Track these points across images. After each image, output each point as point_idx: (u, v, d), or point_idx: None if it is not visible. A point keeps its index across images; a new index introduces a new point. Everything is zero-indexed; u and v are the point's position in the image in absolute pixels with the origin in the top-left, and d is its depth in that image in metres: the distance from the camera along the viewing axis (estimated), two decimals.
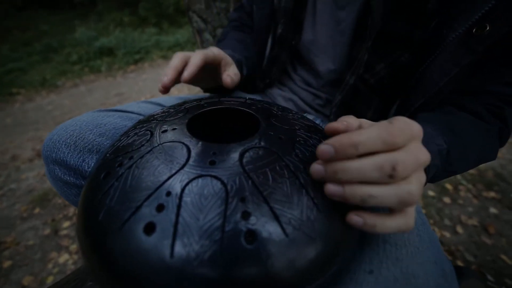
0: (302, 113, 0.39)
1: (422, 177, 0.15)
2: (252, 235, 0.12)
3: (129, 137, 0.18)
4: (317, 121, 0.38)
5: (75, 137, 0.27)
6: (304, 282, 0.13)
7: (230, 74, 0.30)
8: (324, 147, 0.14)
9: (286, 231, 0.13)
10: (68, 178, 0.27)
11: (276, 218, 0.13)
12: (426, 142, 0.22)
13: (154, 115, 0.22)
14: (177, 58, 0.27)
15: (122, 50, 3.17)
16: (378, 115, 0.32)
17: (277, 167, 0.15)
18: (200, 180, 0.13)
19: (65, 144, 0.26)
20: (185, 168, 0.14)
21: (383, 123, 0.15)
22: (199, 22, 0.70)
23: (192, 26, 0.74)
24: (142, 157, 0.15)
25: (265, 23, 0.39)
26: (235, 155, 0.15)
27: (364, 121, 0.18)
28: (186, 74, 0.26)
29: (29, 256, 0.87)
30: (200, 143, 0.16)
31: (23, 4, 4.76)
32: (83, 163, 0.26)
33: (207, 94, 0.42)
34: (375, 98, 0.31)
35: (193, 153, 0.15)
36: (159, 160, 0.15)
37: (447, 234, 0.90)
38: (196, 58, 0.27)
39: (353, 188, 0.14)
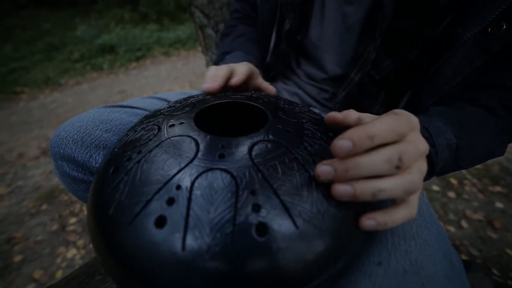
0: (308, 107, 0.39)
1: (423, 166, 0.16)
2: (263, 227, 0.12)
3: (136, 132, 0.18)
4: (323, 115, 0.38)
5: (82, 133, 0.27)
6: (313, 275, 0.13)
7: (268, 86, 0.30)
8: (342, 142, 0.13)
9: (296, 223, 0.13)
10: (76, 174, 0.27)
11: (287, 210, 0.13)
12: (436, 135, 0.22)
13: (160, 110, 0.22)
14: (224, 68, 0.27)
15: (124, 47, 3.17)
16: (385, 109, 0.32)
17: (286, 160, 0.15)
18: (209, 173, 0.13)
19: (72, 140, 0.27)
20: (194, 162, 0.14)
21: (390, 114, 0.15)
22: (201, 17, 0.69)
23: (194, 22, 0.73)
24: (150, 151, 0.15)
25: (269, 16, 0.38)
26: (244, 148, 0.15)
27: (363, 114, 0.18)
28: (236, 79, 0.26)
29: (39, 251, 0.89)
30: (208, 136, 0.16)
31: (25, 2, 4.76)
32: (91, 159, 0.26)
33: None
34: (381, 92, 0.31)
35: (201, 147, 0.15)
36: (168, 154, 0.15)
37: (451, 229, 0.89)
38: (242, 67, 0.28)
39: (363, 185, 0.14)
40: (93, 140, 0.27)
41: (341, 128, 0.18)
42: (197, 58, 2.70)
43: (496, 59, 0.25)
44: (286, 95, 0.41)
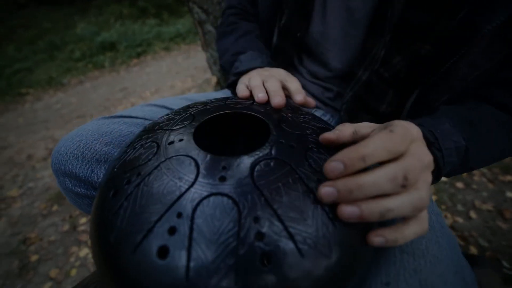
0: (312, 109, 0.37)
1: (428, 177, 0.15)
2: (267, 257, 0.12)
3: (135, 149, 0.18)
4: (327, 117, 0.37)
5: (82, 148, 0.27)
6: None
7: (303, 94, 0.28)
8: (333, 164, 0.13)
9: (301, 251, 0.12)
10: (79, 190, 0.27)
11: (291, 237, 0.12)
12: (442, 139, 0.21)
13: (159, 122, 0.21)
14: (276, 82, 0.26)
15: (124, 44, 3.15)
16: (392, 109, 0.31)
17: (290, 180, 0.14)
18: (211, 199, 0.13)
19: (72, 156, 0.26)
20: (195, 186, 0.14)
21: (384, 132, 0.15)
22: (200, 13, 0.67)
23: (193, 17, 0.71)
24: (150, 173, 0.15)
25: (270, 12, 0.37)
26: (245, 169, 0.14)
27: (359, 126, 0.18)
28: (300, 98, 0.26)
29: (53, 250, 0.92)
30: (209, 156, 0.15)
31: (26, 1, 4.74)
32: (92, 174, 0.26)
33: (211, 93, 0.41)
34: (390, 91, 0.30)
35: (202, 169, 0.15)
36: (168, 177, 0.14)
37: (460, 220, 0.88)
38: (295, 82, 0.28)
39: (370, 206, 0.13)
40: (93, 155, 0.26)
41: (338, 146, 0.18)
42: (198, 52, 2.67)
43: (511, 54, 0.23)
44: None
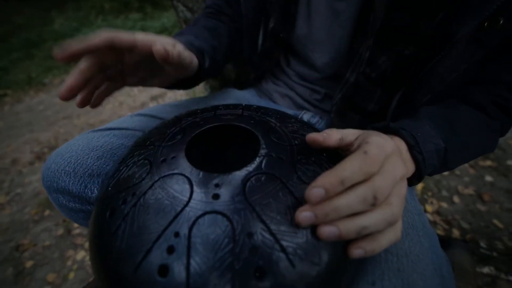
0: (301, 111, 0.38)
1: (402, 190, 0.16)
2: (261, 271, 0.13)
3: (128, 167, 0.18)
4: (316, 119, 0.38)
5: (73, 164, 0.26)
6: None
7: (166, 46, 0.21)
8: (315, 191, 0.14)
9: (293, 262, 0.13)
10: (74, 205, 0.27)
11: (283, 250, 0.13)
12: (423, 142, 0.22)
13: (150, 138, 0.22)
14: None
15: None
16: (380, 106, 0.32)
17: (281, 195, 0.15)
18: (206, 217, 0.14)
19: (64, 172, 0.26)
20: (190, 205, 0.14)
21: (359, 154, 0.16)
22: (185, 11, 0.66)
23: (177, 16, 0.69)
24: (144, 193, 0.16)
25: (253, 14, 0.37)
26: (237, 185, 0.15)
27: (345, 133, 0.19)
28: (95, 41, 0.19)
29: (48, 255, 0.91)
30: (201, 174, 0.16)
31: None
32: (86, 189, 0.26)
33: (199, 98, 0.41)
34: (378, 90, 0.31)
35: (195, 188, 0.15)
36: (162, 197, 0.15)
37: (444, 205, 0.94)
38: (99, 35, 0.21)
39: (347, 225, 0.14)
40: (85, 170, 0.26)
41: (323, 148, 0.19)
42: None
43: (492, 54, 0.24)
44: (277, 98, 0.41)
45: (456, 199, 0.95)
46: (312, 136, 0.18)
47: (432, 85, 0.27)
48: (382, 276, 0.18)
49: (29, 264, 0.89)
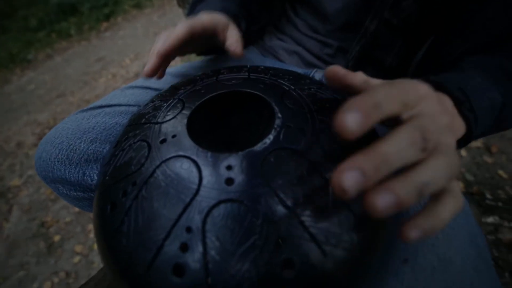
0: (311, 69, 0.34)
1: (450, 140, 0.12)
2: (289, 263, 0.11)
3: (124, 151, 0.16)
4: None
5: (66, 150, 0.24)
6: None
7: (233, 42, 0.24)
8: (350, 115, 0.10)
9: (325, 251, 0.12)
10: (75, 194, 0.26)
11: (313, 239, 0.11)
12: (475, 96, 0.18)
13: (145, 113, 0.19)
14: (160, 39, 0.23)
15: (87, 5, 2.72)
16: (400, 61, 0.28)
17: (305, 173, 0.13)
18: (221, 207, 0.12)
19: (58, 161, 0.24)
20: (200, 193, 0.12)
21: (391, 82, 0.12)
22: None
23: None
24: (146, 182, 0.13)
25: None
26: (253, 166, 0.13)
27: (372, 79, 0.16)
28: (162, 47, 0.22)
29: (71, 230, 0.98)
30: (209, 154, 0.14)
31: None
32: (85, 177, 0.24)
33: (196, 63, 0.36)
34: (398, 40, 0.26)
35: (204, 172, 0.13)
36: (167, 186, 0.13)
37: None
38: (179, 29, 0.23)
39: (403, 185, 0.10)
40: (80, 156, 0.24)
41: (341, 88, 0.16)
42: (174, 7, 2.34)
43: None
44: (284, 56, 0.36)
45: (463, 152, 0.95)
46: (333, 69, 0.15)
47: (472, 33, 0.22)
48: (415, 253, 0.17)
49: (56, 238, 0.97)
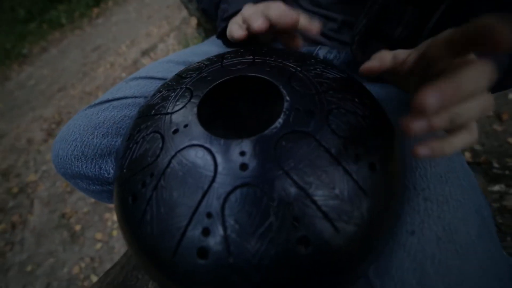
0: (315, 46, 0.33)
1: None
2: (304, 241, 0.12)
3: (138, 144, 0.16)
4: (333, 54, 0.32)
5: (80, 147, 0.25)
6: (358, 262, 0.14)
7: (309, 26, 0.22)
8: (432, 94, 0.11)
9: (337, 228, 0.12)
10: (94, 187, 0.27)
11: (326, 217, 0.12)
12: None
13: (154, 105, 0.19)
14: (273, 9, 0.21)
15: None
16: (409, 32, 0.26)
17: (316, 155, 0.13)
18: (238, 192, 0.12)
19: (74, 157, 0.25)
20: (217, 180, 0.13)
21: (474, 63, 0.13)
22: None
23: (190, 14, 0.55)
24: (163, 173, 0.14)
25: None
26: (266, 151, 0.13)
27: (395, 51, 0.16)
28: (263, 25, 0.20)
29: (90, 219, 1.03)
30: (222, 141, 0.14)
31: None
32: (101, 171, 0.25)
33: (199, 47, 0.35)
34: (408, 9, 0.24)
35: (219, 159, 0.13)
36: (184, 175, 0.13)
37: None
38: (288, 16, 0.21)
39: (444, 113, 0.13)
40: (95, 151, 0.25)
41: (355, 92, 0.17)
42: None
43: None
44: None
45: None
46: (367, 66, 0.17)
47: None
48: (421, 225, 0.17)
49: (77, 227, 1.02)
